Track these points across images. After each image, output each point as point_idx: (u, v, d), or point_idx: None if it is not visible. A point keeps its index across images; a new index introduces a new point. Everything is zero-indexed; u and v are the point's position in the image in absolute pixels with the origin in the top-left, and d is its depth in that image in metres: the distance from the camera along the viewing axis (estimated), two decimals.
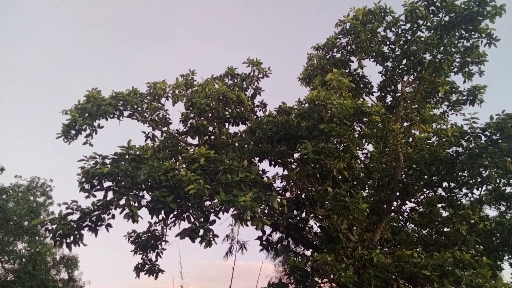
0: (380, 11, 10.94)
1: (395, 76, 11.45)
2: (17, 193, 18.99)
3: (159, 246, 9.75)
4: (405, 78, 11.42)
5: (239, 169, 7.52)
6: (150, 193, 7.47)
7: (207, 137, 10.95)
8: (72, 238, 7.62)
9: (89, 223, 7.82)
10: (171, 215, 8.24)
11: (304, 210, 10.07)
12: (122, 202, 7.34)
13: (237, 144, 10.69)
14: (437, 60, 10.80)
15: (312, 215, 9.83)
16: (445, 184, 9.93)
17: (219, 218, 7.74)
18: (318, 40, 12.40)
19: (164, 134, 11.07)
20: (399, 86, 11.58)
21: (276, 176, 10.34)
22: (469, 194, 10.04)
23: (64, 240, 7.59)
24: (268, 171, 10.00)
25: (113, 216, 7.92)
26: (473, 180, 9.38)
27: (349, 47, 11.70)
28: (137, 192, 7.56)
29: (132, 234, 9.76)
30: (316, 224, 10.32)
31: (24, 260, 18.36)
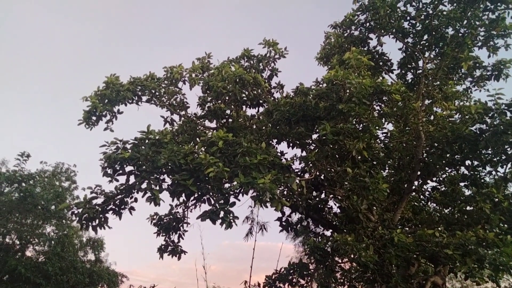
0: None
1: (416, 53, 11.11)
2: (43, 178, 19.63)
3: (181, 228, 9.96)
4: (427, 54, 11.07)
5: (257, 151, 7.54)
6: (170, 176, 7.59)
7: (224, 120, 10.97)
8: (97, 221, 7.86)
9: (113, 207, 8.04)
10: (192, 198, 8.37)
11: (323, 191, 10.06)
12: (144, 186, 7.49)
13: (254, 127, 10.68)
14: (460, 34, 10.39)
15: (331, 195, 9.81)
16: (468, 162, 9.70)
17: (239, 200, 7.84)
18: (335, 18, 12.07)
19: (183, 118, 11.15)
20: (420, 63, 11.26)
21: (295, 158, 10.35)
22: (493, 172, 9.79)
23: (89, 223, 7.84)
24: (287, 153, 10.04)
25: (136, 200, 8.11)
26: (498, 158, 9.11)
27: (367, 24, 11.38)
28: (158, 176, 7.68)
29: (155, 217, 9.99)
30: (335, 204, 10.31)
31: (53, 242, 19.13)
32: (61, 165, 21.37)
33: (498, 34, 10.43)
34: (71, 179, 21.45)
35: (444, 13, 10.40)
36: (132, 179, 7.89)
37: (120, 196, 8.02)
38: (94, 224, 7.87)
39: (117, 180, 7.94)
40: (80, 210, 7.72)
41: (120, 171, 7.90)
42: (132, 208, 8.16)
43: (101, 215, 7.87)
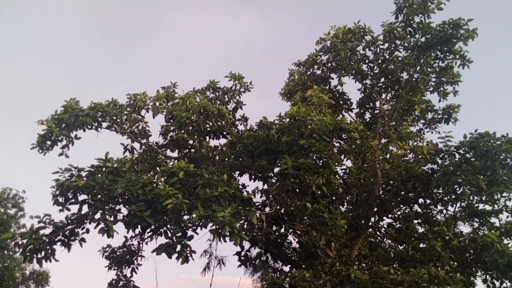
0: (359, 30, 11.25)
1: (374, 94, 11.71)
2: None
3: (135, 261, 9.50)
4: (383, 95, 11.70)
5: (218, 183, 7.47)
6: (127, 207, 7.32)
7: (187, 150, 10.85)
8: (43, 253, 7.34)
9: (62, 238, 7.57)
10: (148, 230, 8.08)
11: (283, 226, 10.05)
12: (98, 216, 7.15)
13: (217, 158, 10.63)
14: (413, 79, 11.13)
15: (291, 230, 9.82)
16: (421, 200, 10.12)
17: (197, 234, 7.64)
18: (299, 56, 12.59)
19: (143, 147, 10.92)
20: (378, 104, 11.85)
21: (256, 191, 10.32)
22: (444, 211, 10.26)
23: (34, 255, 7.31)
24: (248, 185, 9.98)
25: (88, 231, 7.71)
26: (448, 197, 9.59)
27: (329, 64, 11.93)
28: (113, 206, 7.38)
29: (107, 249, 9.50)
30: (294, 239, 10.31)
31: None
32: (9, 191, 20.06)
33: (448, 81, 11.29)
34: (19, 206, 20.12)
35: (399, 58, 11.15)
36: (85, 208, 7.53)
37: (70, 227, 7.59)
38: (39, 256, 7.34)
39: (69, 210, 7.56)
40: (25, 241, 7.19)
41: (73, 200, 7.53)
42: (82, 240, 7.72)
43: (48, 247, 7.36)
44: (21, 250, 7.28)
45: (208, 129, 10.44)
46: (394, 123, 11.68)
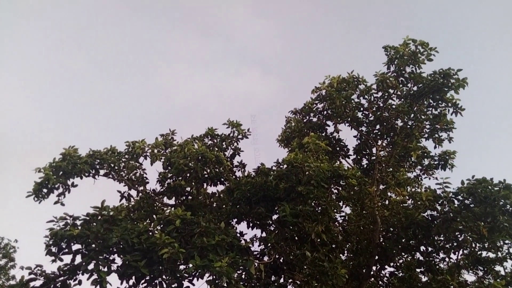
0: (353, 79, 11.64)
1: (370, 141, 11.87)
2: None
3: None
4: (379, 142, 11.85)
5: (215, 231, 7.35)
6: (121, 256, 7.12)
7: (184, 197, 10.75)
8: None
9: None
10: (143, 281, 7.79)
11: (282, 275, 9.72)
12: (91, 267, 6.93)
13: (215, 205, 10.52)
14: (408, 126, 11.35)
15: (290, 280, 9.48)
16: (422, 248, 9.93)
17: (193, 285, 7.38)
18: (296, 104, 12.89)
19: (140, 194, 10.84)
20: (374, 150, 11.97)
21: (254, 239, 10.12)
22: (447, 259, 10.03)
23: None
24: (246, 233, 9.79)
25: (80, 282, 7.42)
26: (450, 244, 9.43)
27: (325, 112, 12.20)
28: (107, 256, 7.18)
29: None
30: None
31: None
32: (0, 240, 19.52)
33: (442, 128, 11.49)
34: (9, 256, 19.48)
35: (393, 106, 11.44)
36: (78, 258, 7.32)
37: (62, 278, 7.32)
38: None
39: (62, 260, 7.33)
40: None
41: (66, 250, 7.33)
42: None
43: None
44: None
45: (206, 175, 10.43)
46: (391, 169, 11.74)
